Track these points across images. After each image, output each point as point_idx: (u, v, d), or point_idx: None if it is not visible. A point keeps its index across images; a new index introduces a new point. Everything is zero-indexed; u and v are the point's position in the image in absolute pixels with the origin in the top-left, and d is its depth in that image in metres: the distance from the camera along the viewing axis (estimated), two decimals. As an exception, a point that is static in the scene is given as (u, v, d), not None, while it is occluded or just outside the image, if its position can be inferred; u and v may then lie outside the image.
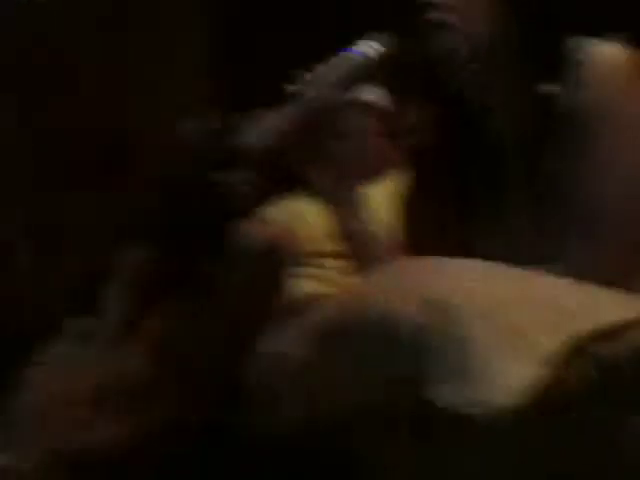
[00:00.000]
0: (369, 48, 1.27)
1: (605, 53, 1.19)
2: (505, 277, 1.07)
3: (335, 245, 1.40)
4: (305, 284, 2.12)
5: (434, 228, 1.33)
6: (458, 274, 1.06)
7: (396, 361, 1.04)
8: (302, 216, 2.26)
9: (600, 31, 1.23)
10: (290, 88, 1.25)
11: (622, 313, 1.01)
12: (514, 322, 0.99)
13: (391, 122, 2.29)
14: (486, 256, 1.13)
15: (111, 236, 2.26)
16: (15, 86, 2.72)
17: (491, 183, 1.29)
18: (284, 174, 1.40)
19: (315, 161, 1.29)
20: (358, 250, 1.31)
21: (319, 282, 2.14)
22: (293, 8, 2.90)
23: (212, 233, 1.87)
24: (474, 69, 1.25)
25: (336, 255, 1.54)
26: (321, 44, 1.30)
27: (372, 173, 2.25)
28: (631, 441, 1.02)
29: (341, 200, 1.32)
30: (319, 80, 1.26)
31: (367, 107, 2.26)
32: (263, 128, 1.25)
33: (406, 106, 2.21)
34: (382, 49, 1.26)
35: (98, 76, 2.77)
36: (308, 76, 1.26)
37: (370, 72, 1.28)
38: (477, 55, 1.24)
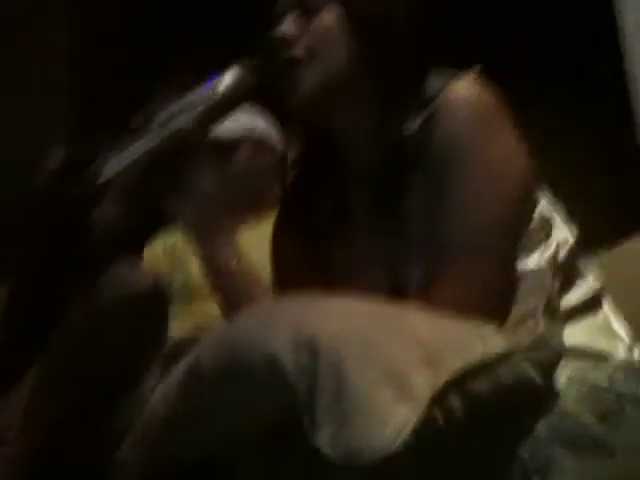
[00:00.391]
0: (230, 81, 1.25)
1: (461, 88, 1.20)
2: (375, 313, 1.04)
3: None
4: (181, 325, 2.08)
5: (300, 265, 1.32)
6: (328, 312, 1.02)
7: (270, 406, 1.01)
8: (179, 254, 2.23)
9: (455, 66, 1.24)
10: (143, 121, 1.22)
11: (488, 347, 1.02)
12: (386, 360, 0.96)
13: (279, 158, 2.29)
14: (352, 291, 1.13)
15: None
16: None
17: (353, 219, 1.29)
18: (153, 209, 1.35)
19: (179, 194, 1.25)
20: (226, 289, 1.27)
21: (196, 323, 2.10)
22: (151, 41, 2.88)
23: (76, 272, 1.81)
24: (330, 105, 1.24)
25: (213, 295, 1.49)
26: (180, 79, 1.29)
27: (253, 209, 2.23)
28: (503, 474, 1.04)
29: (208, 235, 1.27)
30: (181, 111, 1.23)
31: (257, 142, 2.25)
32: (123, 162, 1.21)
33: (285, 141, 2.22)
34: (244, 82, 1.25)
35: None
36: (170, 108, 1.23)
37: (233, 105, 1.26)
38: (334, 91, 1.23)
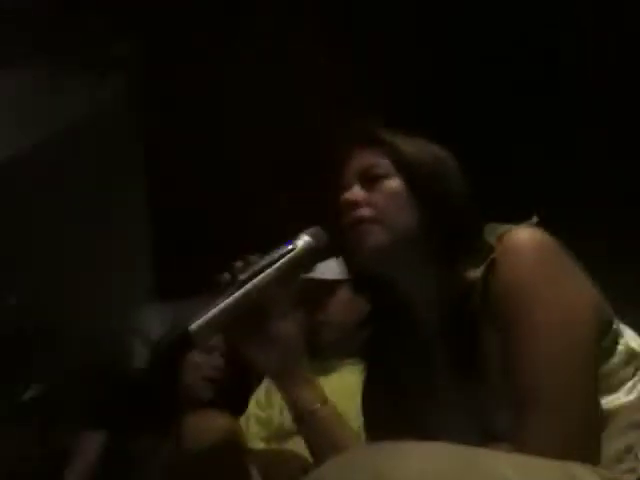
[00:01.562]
0: (304, 241, 1.35)
1: (520, 235, 1.23)
2: (454, 453, 1.05)
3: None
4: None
5: (391, 420, 1.36)
6: (407, 455, 1.03)
7: None
8: (275, 397, 2.29)
9: (512, 216, 1.30)
10: (226, 278, 1.31)
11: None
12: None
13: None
14: (439, 437, 1.15)
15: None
16: None
17: (433, 368, 1.34)
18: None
19: (258, 342, 1.32)
20: (312, 433, 1.29)
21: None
22: (231, 203, 2.99)
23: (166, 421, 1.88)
24: (396, 260, 1.31)
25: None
26: (256, 239, 1.38)
27: (341, 350, 2.26)
28: None
29: (291, 380, 1.30)
30: (264, 267, 1.32)
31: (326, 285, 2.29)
32: (212, 318, 1.29)
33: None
34: (316, 243, 1.34)
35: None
36: (254, 264, 1.32)
37: (307, 264, 1.35)
38: (402, 248, 1.30)
